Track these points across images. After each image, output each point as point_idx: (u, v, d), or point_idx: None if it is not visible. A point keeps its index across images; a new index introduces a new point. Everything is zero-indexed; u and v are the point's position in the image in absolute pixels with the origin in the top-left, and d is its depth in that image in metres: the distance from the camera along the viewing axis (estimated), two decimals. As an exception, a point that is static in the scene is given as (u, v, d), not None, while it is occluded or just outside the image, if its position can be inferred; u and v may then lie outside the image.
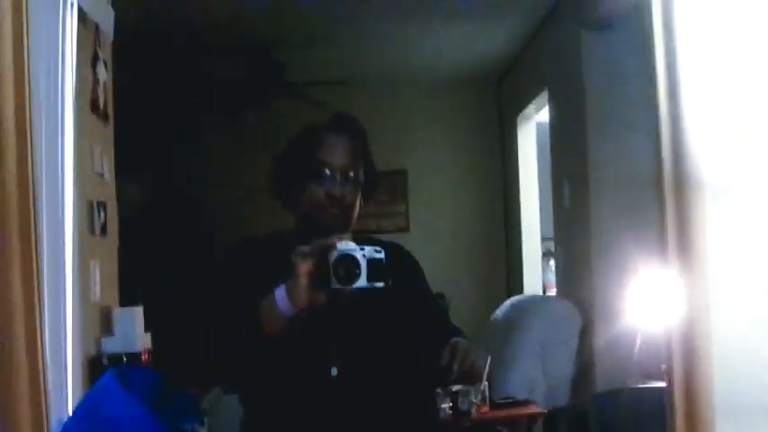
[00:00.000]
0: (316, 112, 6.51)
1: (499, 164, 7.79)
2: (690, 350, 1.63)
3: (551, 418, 4.89)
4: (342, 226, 2.28)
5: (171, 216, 7.35)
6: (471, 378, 2.16)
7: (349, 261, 2.02)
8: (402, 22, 6.13)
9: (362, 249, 2.03)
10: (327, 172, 2.27)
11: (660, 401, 1.76)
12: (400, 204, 7.85)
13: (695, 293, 1.66)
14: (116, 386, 2.42)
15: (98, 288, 3.57)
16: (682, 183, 1.67)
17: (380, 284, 2.03)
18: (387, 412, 2.26)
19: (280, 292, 2.06)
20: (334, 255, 2.02)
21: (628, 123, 4.73)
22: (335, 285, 2.02)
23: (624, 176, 4.85)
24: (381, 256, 2.04)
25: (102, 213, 3.64)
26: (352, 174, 2.30)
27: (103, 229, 3.64)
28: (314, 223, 2.28)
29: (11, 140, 1.31)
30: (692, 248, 1.66)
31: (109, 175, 3.78)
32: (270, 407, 2.30)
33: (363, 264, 2.02)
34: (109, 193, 3.78)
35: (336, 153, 2.29)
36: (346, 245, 2.05)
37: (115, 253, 3.83)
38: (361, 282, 2.02)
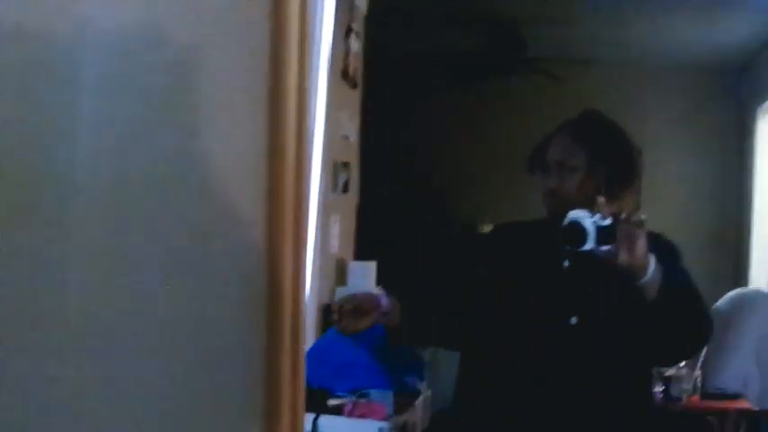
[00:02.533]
0: (552, 85, 6.79)
1: (735, 155, 7.61)
2: None
3: (756, 419, 4.83)
4: (561, 210, 2.40)
5: (409, 181, 7.59)
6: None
7: (576, 227, 2.19)
8: (642, 6, 6.14)
9: (592, 217, 2.19)
10: (546, 165, 2.46)
11: None
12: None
13: None
14: (346, 337, 2.68)
15: (336, 241, 3.88)
16: None
17: (607, 247, 2.16)
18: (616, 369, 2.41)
19: None
20: (565, 222, 2.21)
21: None
22: (565, 248, 2.22)
23: None
24: (608, 223, 2.17)
25: (345, 173, 3.94)
26: (569, 166, 2.43)
27: (345, 187, 3.95)
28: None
29: (292, 105, 1.47)
30: None
31: (354, 137, 4.08)
32: (492, 363, 2.50)
33: (592, 229, 2.18)
34: (352, 154, 4.08)
35: (555, 149, 2.46)
36: (576, 213, 2.21)
37: (354, 209, 4.14)
38: (589, 244, 2.17)
